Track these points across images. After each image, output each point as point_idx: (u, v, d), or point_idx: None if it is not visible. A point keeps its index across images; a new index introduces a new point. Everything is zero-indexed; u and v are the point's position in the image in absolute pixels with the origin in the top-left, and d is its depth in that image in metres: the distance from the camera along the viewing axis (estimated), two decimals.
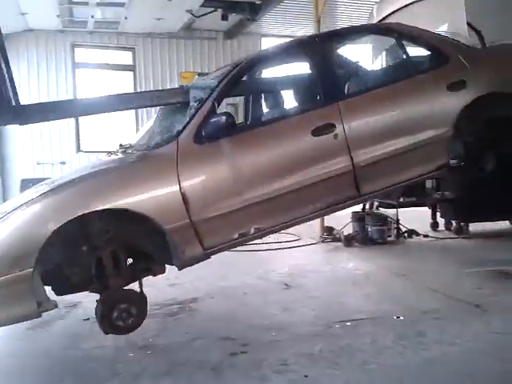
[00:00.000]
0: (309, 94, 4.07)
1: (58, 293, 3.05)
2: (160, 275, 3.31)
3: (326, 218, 6.53)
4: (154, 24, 9.63)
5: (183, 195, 2.92)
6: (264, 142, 3.24)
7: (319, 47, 3.58)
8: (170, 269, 5.07)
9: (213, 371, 2.71)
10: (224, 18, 9.12)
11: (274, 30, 11.25)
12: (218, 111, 3.19)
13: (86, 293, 4.29)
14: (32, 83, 9.61)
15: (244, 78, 3.71)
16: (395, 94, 3.51)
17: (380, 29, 4.30)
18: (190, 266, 3.14)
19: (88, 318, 3.66)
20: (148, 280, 4.65)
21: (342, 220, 6.42)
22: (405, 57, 3.77)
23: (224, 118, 3.03)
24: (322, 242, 6.37)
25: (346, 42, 4.23)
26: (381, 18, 6.03)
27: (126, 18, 9.13)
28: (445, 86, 3.50)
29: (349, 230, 6.31)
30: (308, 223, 3.58)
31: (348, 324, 3.36)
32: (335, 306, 3.79)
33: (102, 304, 2.89)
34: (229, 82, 3.27)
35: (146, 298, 3.04)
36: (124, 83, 10.24)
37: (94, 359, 2.94)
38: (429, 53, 3.82)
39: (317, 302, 3.92)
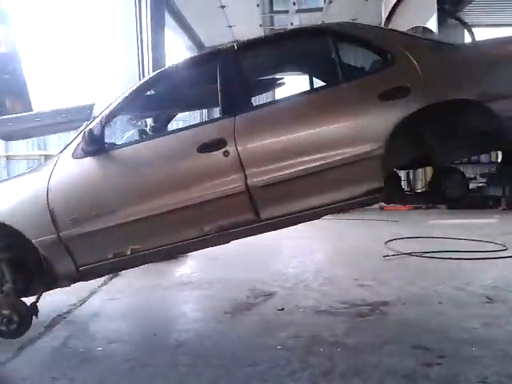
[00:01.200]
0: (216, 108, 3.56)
1: None
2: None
3: None
4: None
5: (51, 210, 2.91)
6: (142, 158, 3.04)
7: (229, 57, 3.15)
8: (357, 268, 5.08)
9: (405, 379, 2.61)
10: None
11: (480, 20, 10.34)
12: None
13: (281, 284, 4.55)
14: None
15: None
16: (307, 106, 3.01)
17: (311, 31, 3.50)
18: (70, 283, 3.13)
19: (282, 308, 3.85)
20: (330, 279, 4.74)
21: None
22: (337, 61, 3.10)
23: (87, 132, 2.92)
24: None
25: (272, 49, 3.56)
26: (387, 13, 5.22)
27: (322, 22, 9.35)
28: (376, 95, 2.86)
29: None
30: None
31: None
32: None
33: None
34: (124, 100, 3.12)
35: (35, 310, 3.09)
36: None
37: (287, 349, 3.07)
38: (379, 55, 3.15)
39: None
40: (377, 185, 2.89)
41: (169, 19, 7.91)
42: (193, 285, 4.72)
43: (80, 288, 4.47)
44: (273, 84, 4.23)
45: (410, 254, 5.80)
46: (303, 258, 5.75)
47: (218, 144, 2.90)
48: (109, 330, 3.58)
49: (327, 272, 5.04)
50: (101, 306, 4.16)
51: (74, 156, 3.03)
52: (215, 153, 2.89)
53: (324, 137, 2.90)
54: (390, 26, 5.57)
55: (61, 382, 2.69)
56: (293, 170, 2.87)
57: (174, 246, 2.99)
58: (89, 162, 3.00)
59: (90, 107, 4.05)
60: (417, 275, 4.85)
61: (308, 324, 3.54)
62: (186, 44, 10.22)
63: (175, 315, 4.11)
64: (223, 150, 2.89)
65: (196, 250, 3.19)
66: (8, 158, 15.04)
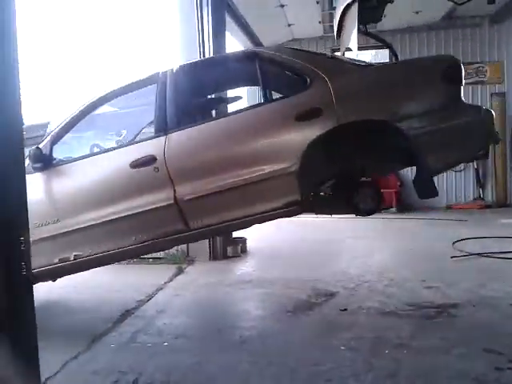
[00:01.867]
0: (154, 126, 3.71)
1: None
2: None
3: None
4: (413, 18, 9.38)
5: None
6: (82, 173, 3.39)
7: (163, 80, 3.41)
8: (424, 270, 4.89)
9: (474, 382, 2.50)
10: (491, 1, 8.27)
11: None
12: None
13: (344, 284, 4.46)
14: None
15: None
16: (230, 126, 3.26)
17: (239, 56, 3.76)
18: None
19: (346, 309, 3.80)
20: (395, 280, 4.59)
21: None
22: (262, 83, 3.32)
23: (32, 150, 3.27)
24: None
25: (207, 72, 3.82)
26: (336, 30, 5.22)
27: (384, 15, 9.11)
28: (293, 115, 3.09)
29: None
30: None
31: None
32: None
33: None
34: (72, 119, 3.47)
35: None
36: None
37: (351, 350, 3.02)
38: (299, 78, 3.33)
39: None
40: (294, 198, 3.10)
41: (228, 20, 8.01)
42: (254, 283, 4.76)
43: (147, 285, 4.67)
44: (221, 100, 4.61)
45: (479, 254, 5.55)
46: (366, 258, 5.64)
47: (149, 161, 3.19)
48: (174, 326, 3.68)
49: (392, 273, 4.91)
50: (167, 301, 4.28)
51: (26, 171, 3.49)
52: (146, 168, 3.19)
53: (246, 154, 3.15)
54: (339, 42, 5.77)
55: (129, 375, 2.78)
56: (217, 185, 3.13)
57: (113, 253, 3.31)
58: (37, 177, 3.36)
59: (45, 125, 4.39)
60: (487, 277, 4.63)
61: (372, 325, 3.47)
62: (245, 45, 10.29)
63: (238, 312, 4.16)
64: (154, 165, 3.17)
65: (133, 257, 3.67)
66: None
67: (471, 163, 9.82)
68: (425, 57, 3.59)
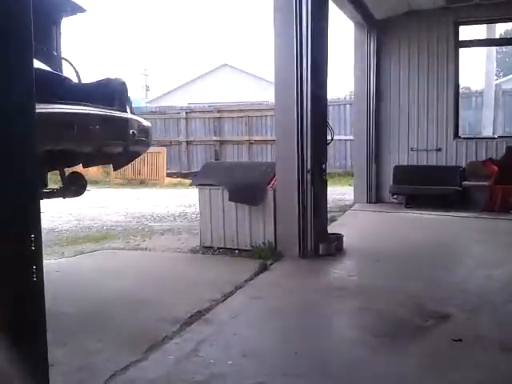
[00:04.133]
0: None
1: None
2: None
3: None
4: None
5: None
6: None
7: None
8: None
9: None
10: None
11: None
12: None
13: (459, 303, 3.58)
14: (412, 65, 9.33)
15: None
16: None
17: None
18: None
19: (460, 339, 2.96)
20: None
21: None
22: None
23: None
24: None
25: None
26: None
27: None
28: None
29: None
30: None
31: None
32: None
33: None
34: None
35: None
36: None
37: None
38: None
39: None
40: None
41: None
42: (348, 291, 4.02)
43: (226, 281, 4.19)
44: None
45: None
46: (490, 271, 4.57)
47: None
48: (245, 338, 3.13)
49: None
50: (243, 304, 3.75)
51: None
52: None
53: None
54: None
55: None
56: None
57: None
58: None
59: None
60: None
61: (494, 367, 2.63)
62: (355, 19, 9.36)
63: (322, 330, 3.46)
64: None
65: None
66: (188, 143, 17.41)
67: None
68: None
